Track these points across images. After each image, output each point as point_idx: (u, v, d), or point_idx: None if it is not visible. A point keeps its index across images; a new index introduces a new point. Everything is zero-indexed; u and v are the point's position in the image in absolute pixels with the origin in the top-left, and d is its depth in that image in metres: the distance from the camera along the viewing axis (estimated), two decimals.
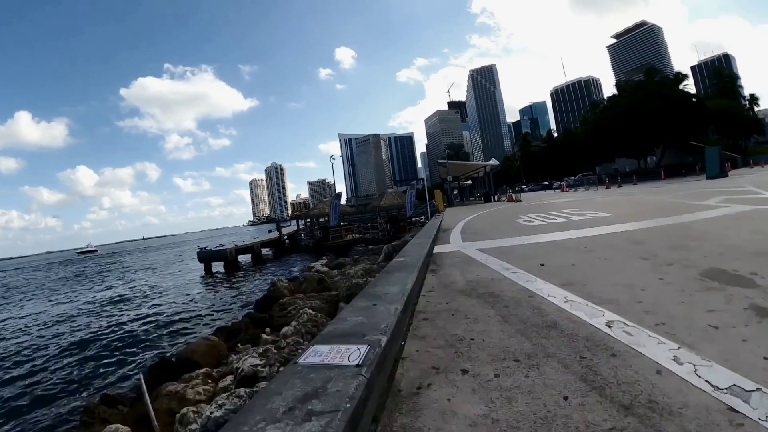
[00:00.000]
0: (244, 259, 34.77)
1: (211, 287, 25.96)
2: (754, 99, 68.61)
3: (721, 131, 56.08)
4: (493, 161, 41.26)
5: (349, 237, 33.91)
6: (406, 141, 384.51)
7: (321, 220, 40.02)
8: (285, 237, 39.82)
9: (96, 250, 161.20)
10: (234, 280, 27.51)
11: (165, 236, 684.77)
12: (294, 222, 55.01)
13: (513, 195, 29.85)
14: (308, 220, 45.06)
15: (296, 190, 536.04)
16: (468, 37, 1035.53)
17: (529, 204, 22.06)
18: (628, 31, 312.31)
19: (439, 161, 35.91)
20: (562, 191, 39.30)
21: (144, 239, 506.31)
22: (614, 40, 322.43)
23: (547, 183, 73.13)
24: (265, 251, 38.78)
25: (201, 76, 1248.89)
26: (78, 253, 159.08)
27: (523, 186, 70.81)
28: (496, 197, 36.34)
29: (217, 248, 33.24)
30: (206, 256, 33.27)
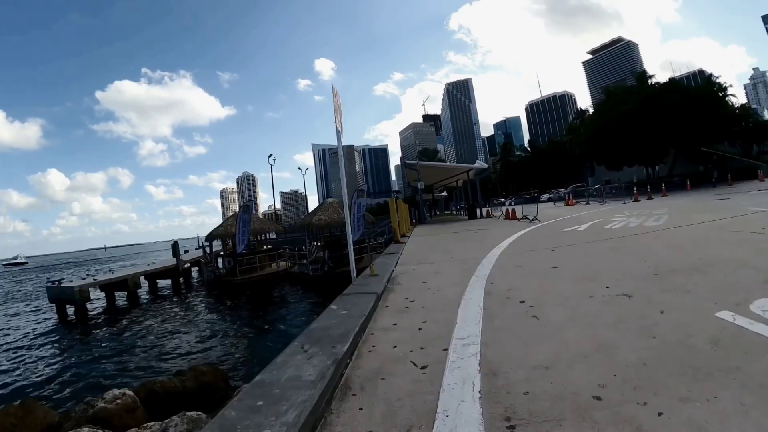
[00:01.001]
0: (120, 295, 23.68)
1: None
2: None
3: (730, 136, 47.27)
4: (480, 163, 31.32)
5: (269, 268, 23.24)
6: (381, 153, 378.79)
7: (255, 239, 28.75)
8: (186, 265, 28.42)
9: (26, 262, 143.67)
10: (66, 342, 16.76)
11: (133, 245, 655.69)
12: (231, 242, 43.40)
13: (517, 210, 19.74)
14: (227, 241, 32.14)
15: (269, 200, 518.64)
16: (445, 53, 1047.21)
17: (571, 228, 11.93)
18: (604, 47, 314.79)
19: (408, 162, 25.58)
20: (567, 204, 29.77)
21: (105, 248, 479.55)
22: (590, 56, 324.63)
23: (528, 195, 63.51)
24: (163, 283, 27.57)
25: (179, 82, 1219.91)
26: (4, 265, 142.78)
27: (503, 199, 61.46)
28: (485, 211, 26.14)
29: (66, 284, 22.06)
30: (57, 295, 22.07)
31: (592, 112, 57.37)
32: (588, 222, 12.64)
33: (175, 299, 23.90)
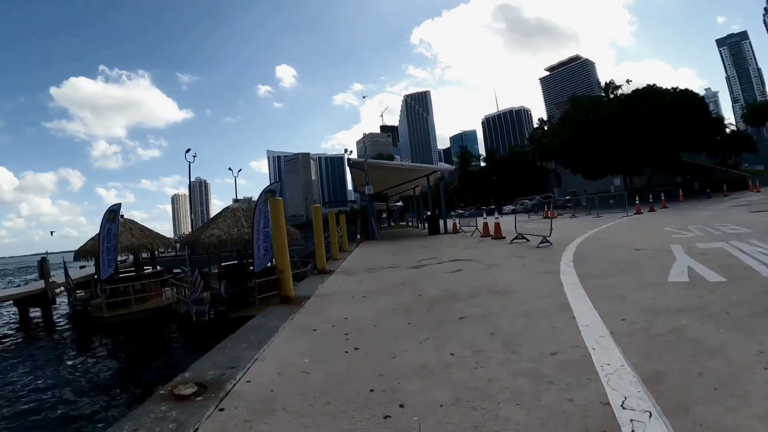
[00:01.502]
0: None
1: None
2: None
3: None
4: (445, 165, 25.50)
5: (156, 301, 16.46)
6: (338, 162, 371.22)
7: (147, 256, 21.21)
8: (59, 290, 20.84)
9: None
10: None
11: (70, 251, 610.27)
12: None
13: (502, 223, 13.90)
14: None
15: (222, 207, 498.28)
16: (405, 67, 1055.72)
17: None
18: (562, 64, 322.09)
19: (353, 161, 19.57)
20: (547, 217, 24.36)
21: (47, 254, 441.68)
22: (547, 73, 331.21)
23: (485, 207, 58.56)
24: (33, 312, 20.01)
25: (137, 82, 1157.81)
26: None
27: (461, 210, 56.44)
28: (453, 225, 20.32)
29: None
30: None
31: (561, 120, 53.44)
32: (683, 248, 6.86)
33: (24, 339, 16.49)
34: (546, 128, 75.07)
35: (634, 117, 33.48)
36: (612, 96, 51.48)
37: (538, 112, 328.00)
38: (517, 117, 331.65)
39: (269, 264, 12.12)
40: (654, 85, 38.15)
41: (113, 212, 15.36)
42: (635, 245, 8.28)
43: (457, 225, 19.89)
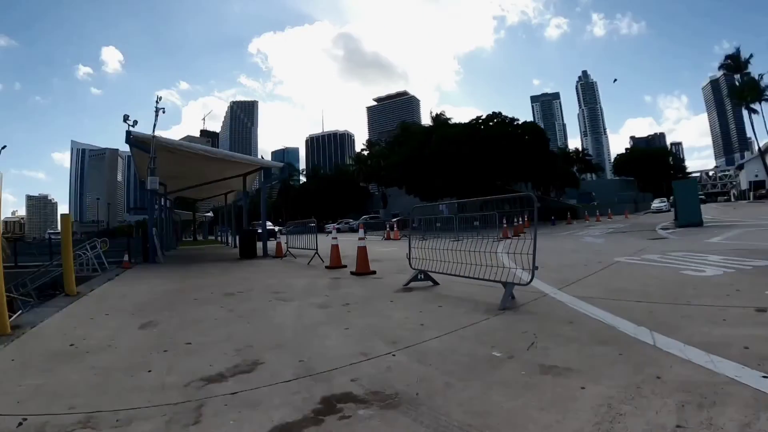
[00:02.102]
0: None
1: None
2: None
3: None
4: (264, 159, 19.36)
5: None
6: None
7: None
8: None
9: None
10: None
11: None
12: None
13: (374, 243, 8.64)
14: None
15: (16, 205, 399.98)
16: (237, 74, 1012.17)
17: None
18: (389, 97, 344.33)
19: (135, 134, 12.40)
20: (389, 238, 20.90)
21: None
22: (375, 103, 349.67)
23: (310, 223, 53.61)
24: None
25: None
26: None
27: (292, 225, 50.74)
28: (277, 246, 14.29)
29: None
30: None
31: (389, 143, 51.52)
32: None
33: None
34: (371, 150, 73.62)
35: (480, 141, 32.22)
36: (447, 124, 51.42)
37: (362, 138, 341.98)
38: (340, 140, 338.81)
39: None
40: (500, 113, 38.09)
41: None
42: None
43: (283, 247, 13.90)
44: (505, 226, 15.63)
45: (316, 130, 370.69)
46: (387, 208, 60.00)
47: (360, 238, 8.06)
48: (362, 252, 7.88)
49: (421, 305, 4.76)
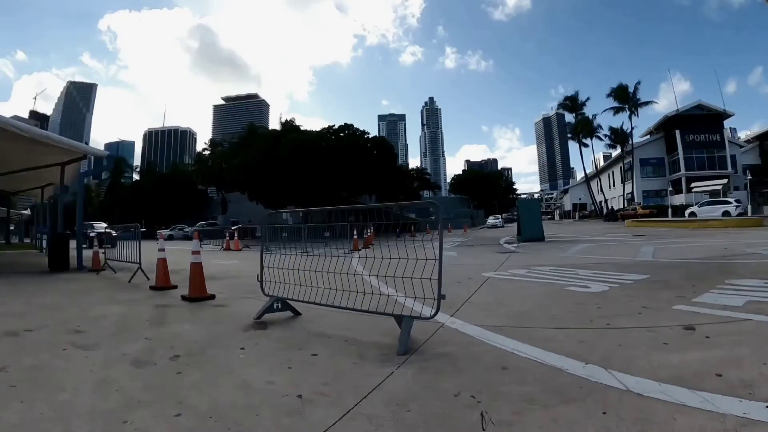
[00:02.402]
0: None
1: None
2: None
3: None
4: (94, 148, 15.74)
5: None
6: None
7: None
8: None
9: None
10: None
11: None
12: None
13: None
14: None
15: None
16: (81, 51, 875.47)
17: None
18: (239, 98, 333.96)
19: None
20: (228, 248, 18.94)
21: None
22: (223, 102, 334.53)
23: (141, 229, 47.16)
24: None
25: None
26: None
27: (115, 231, 44.17)
28: (94, 257, 11.41)
29: None
30: None
31: (235, 145, 47.93)
32: None
33: None
34: (213, 151, 68.18)
35: (330, 150, 31.46)
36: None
37: (205, 138, 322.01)
38: (182, 137, 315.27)
39: None
40: (351, 125, 37.72)
41: None
42: None
43: (100, 257, 11.12)
44: (356, 237, 14.87)
45: (157, 124, 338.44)
46: (227, 215, 55.99)
47: (194, 252, 6.14)
48: (197, 270, 5.99)
49: (286, 353, 3.27)
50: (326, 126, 38.53)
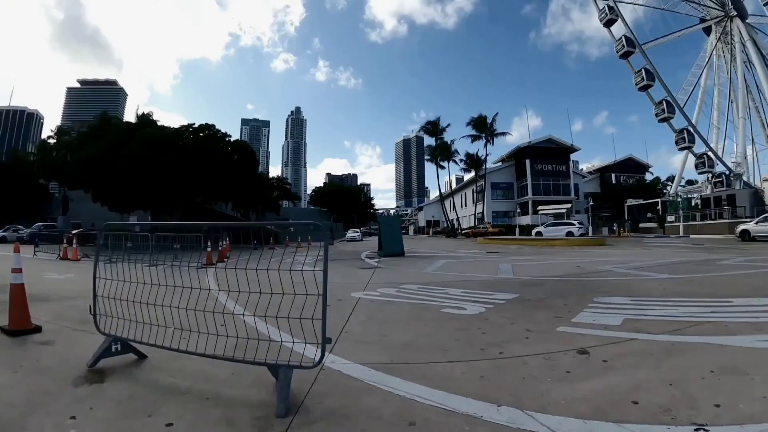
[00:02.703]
0: None
1: None
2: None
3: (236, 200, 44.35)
4: None
5: None
6: None
7: None
8: None
9: None
10: None
11: None
12: None
13: None
14: None
15: None
16: None
17: None
18: (97, 82, 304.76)
19: None
20: (66, 257, 15.77)
21: None
22: (78, 85, 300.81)
23: None
24: None
25: None
26: None
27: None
28: None
29: None
30: None
31: (84, 135, 41.51)
32: None
33: None
34: (59, 139, 58.52)
35: (188, 150, 28.90)
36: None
37: (53, 124, 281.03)
38: (27, 120, 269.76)
39: None
40: (213, 125, 34.93)
41: None
42: None
43: None
44: (209, 249, 13.49)
45: (2, 102, 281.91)
46: (68, 216, 48.39)
47: (15, 270, 4.57)
48: (19, 294, 4.52)
49: (131, 424, 2.38)
50: (186, 124, 35.23)
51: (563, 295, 6.52)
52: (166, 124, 35.83)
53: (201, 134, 33.56)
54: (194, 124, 35.04)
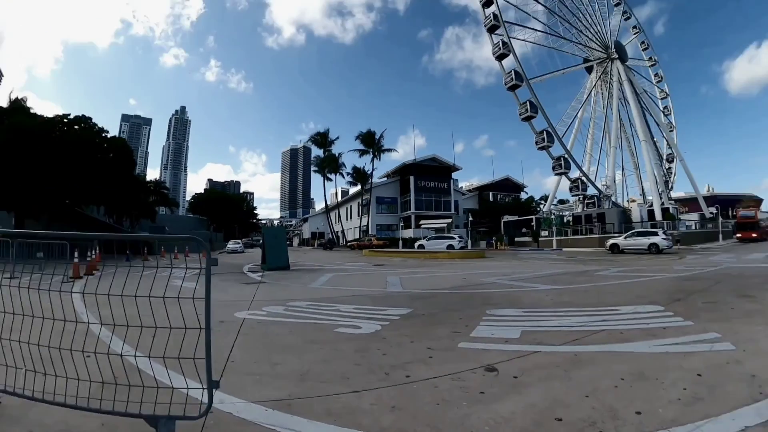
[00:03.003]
0: None
1: None
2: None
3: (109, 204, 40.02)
4: None
5: None
6: None
7: None
8: None
9: None
10: None
11: None
12: None
13: None
14: None
15: None
16: None
17: None
18: None
19: None
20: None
21: None
22: None
23: None
24: None
25: None
26: None
27: None
28: None
29: None
30: None
31: None
32: None
33: None
34: None
35: (59, 145, 25.14)
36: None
37: None
38: None
39: None
40: (90, 118, 30.66)
41: None
42: None
43: None
44: (77, 260, 11.74)
45: None
46: None
47: None
48: None
49: None
50: (60, 114, 30.65)
51: (456, 309, 6.56)
52: (42, 113, 30.84)
53: (76, 126, 29.38)
54: (69, 114, 30.56)
